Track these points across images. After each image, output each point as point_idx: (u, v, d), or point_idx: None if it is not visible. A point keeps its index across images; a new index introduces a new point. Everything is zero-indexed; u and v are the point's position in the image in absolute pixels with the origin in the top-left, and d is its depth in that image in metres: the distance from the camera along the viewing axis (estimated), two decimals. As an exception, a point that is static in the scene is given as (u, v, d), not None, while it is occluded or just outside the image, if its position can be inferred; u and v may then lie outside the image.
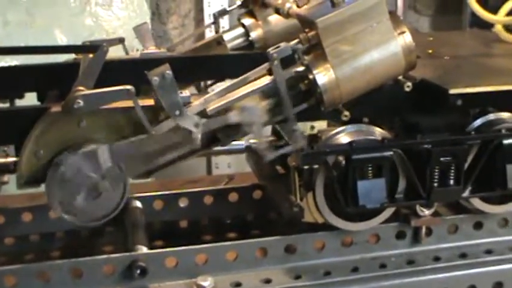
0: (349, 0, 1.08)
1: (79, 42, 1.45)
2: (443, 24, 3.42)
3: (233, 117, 1.10)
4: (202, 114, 1.09)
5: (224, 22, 2.39)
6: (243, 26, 1.50)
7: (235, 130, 1.13)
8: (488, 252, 1.35)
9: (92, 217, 1.12)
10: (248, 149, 1.52)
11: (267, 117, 1.12)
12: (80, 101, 1.02)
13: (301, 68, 1.10)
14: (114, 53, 1.40)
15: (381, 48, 1.08)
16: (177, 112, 1.05)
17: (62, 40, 2.41)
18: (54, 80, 1.32)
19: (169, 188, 1.58)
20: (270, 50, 1.07)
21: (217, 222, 1.55)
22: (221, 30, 1.56)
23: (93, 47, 1.23)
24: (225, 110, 1.10)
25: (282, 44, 1.08)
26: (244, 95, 1.10)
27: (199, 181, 1.87)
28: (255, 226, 1.53)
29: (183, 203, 1.52)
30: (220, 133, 1.13)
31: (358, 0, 1.08)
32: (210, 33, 2.37)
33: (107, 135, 1.10)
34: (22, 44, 2.21)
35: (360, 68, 1.08)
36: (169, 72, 1.03)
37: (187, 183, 1.80)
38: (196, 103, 1.08)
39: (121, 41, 1.47)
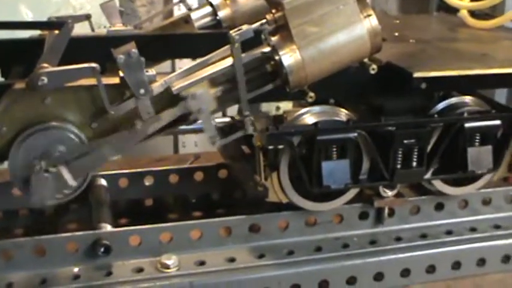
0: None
1: (45, 18, 1.42)
2: (411, 6, 3.43)
3: (182, 106, 1.09)
4: (166, 93, 1.08)
5: (193, 0, 2.38)
6: (211, 5, 1.49)
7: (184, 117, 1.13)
8: (448, 232, 1.38)
9: (54, 195, 1.11)
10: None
11: (216, 105, 1.12)
12: (44, 78, 1.00)
13: (267, 49, 1.10)
14: (81, 29, 1.39)
15: (346, 31, 1.08)
16: (142, 91, 1.05)
17: (27, 15, 2.36)
18: (19, 56, 1.31)
19: (135, 166, 1.57)
20: (232, 32, 1.07)
21: (183, 201, 1.55)
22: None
23: (58, 24, 1.22)
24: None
25: (244, 27, 1.07)
26: (206, 76, 1.09)
27: (165, 159, 1.87)
28: (220, 205, 1.54)
29: (148, 181, 1.52)
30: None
31: (325, -18, 1.09)
32: (178, 11, 2.35)
33: (71, 112, 1.09)
34: (-15, 20, 2.17)
35: (325, 49, 1.08)
36: (135, 50, 1.02)
37: (153, 161, 1.80)
38: (157, 84, 1.07)
39: (87, 17, 1.46)
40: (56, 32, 1.24)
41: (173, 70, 1.48)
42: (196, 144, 2.79)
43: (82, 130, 1.09)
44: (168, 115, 1.10)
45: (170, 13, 2.40)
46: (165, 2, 3.07)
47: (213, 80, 1.11)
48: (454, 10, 1.75)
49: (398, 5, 3.48)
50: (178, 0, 1.63)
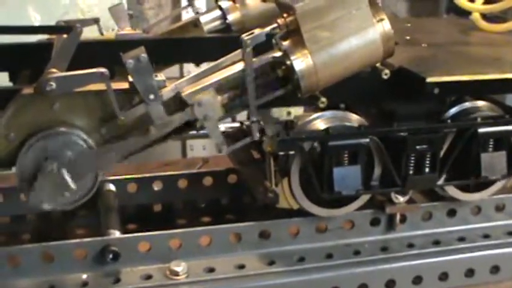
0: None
1: (53, 21, 1.41)
2: (421, 8, 3.42)
3: (189, 113, 1.08)
4: (175, 99, 1.07)
5: (201, 4, 2.37)
6: (220, 8, 1.47)
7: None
8: (461, 239, 1.37)
9: (62, 202, 1.09)
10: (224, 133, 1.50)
11: (224, 111, 1.10)
12: (52, 83, 0.99)
13: (278, 54, 1.09)
14: (89, 32, 1.38)
15: (359, 35, 1.06)
16: (152, 96, 1.04)
17: (35, 18, 2.35)
18: (27, 60, 1.30)
19: (143, 171, 1.56)
20: (244, 36, 1.05)
21: (192, 206, 1.54)
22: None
23: (66, 28, 1.21)
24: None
25: (256, 31, 1.06)
26: (216, 81, 1.08)
27: (173, 164, 1.86)
28: (230, 211, 1.53)
29: (157, 186, 1.51)
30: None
31: (337, -14, 1.07)
32: (186, 15, 2.34)
33: (80, 117, 1.08)
34: (-6, 23, 2.16)
35: (338, 54, 1.07)
36: (144, 55, 1.01)
37: (161, 165, 1.79)
38: (167, 89, 1.05)
39: (96, 21, 1.44)
40: (65, 36, 1.23)
41: (181, 74, 1.47)
42: (205, 148, 2.78)
43: (91, 136, 1.08)
44: (176, 120, 1.08)
45: (178, 17, 2.39)
46: (173, 5, 3.07)
47: (222, 86, 1.09)
48: (464, 12, 1.73)
49: (408, 7, 3.46)
50: (186, 4, 1.62)
